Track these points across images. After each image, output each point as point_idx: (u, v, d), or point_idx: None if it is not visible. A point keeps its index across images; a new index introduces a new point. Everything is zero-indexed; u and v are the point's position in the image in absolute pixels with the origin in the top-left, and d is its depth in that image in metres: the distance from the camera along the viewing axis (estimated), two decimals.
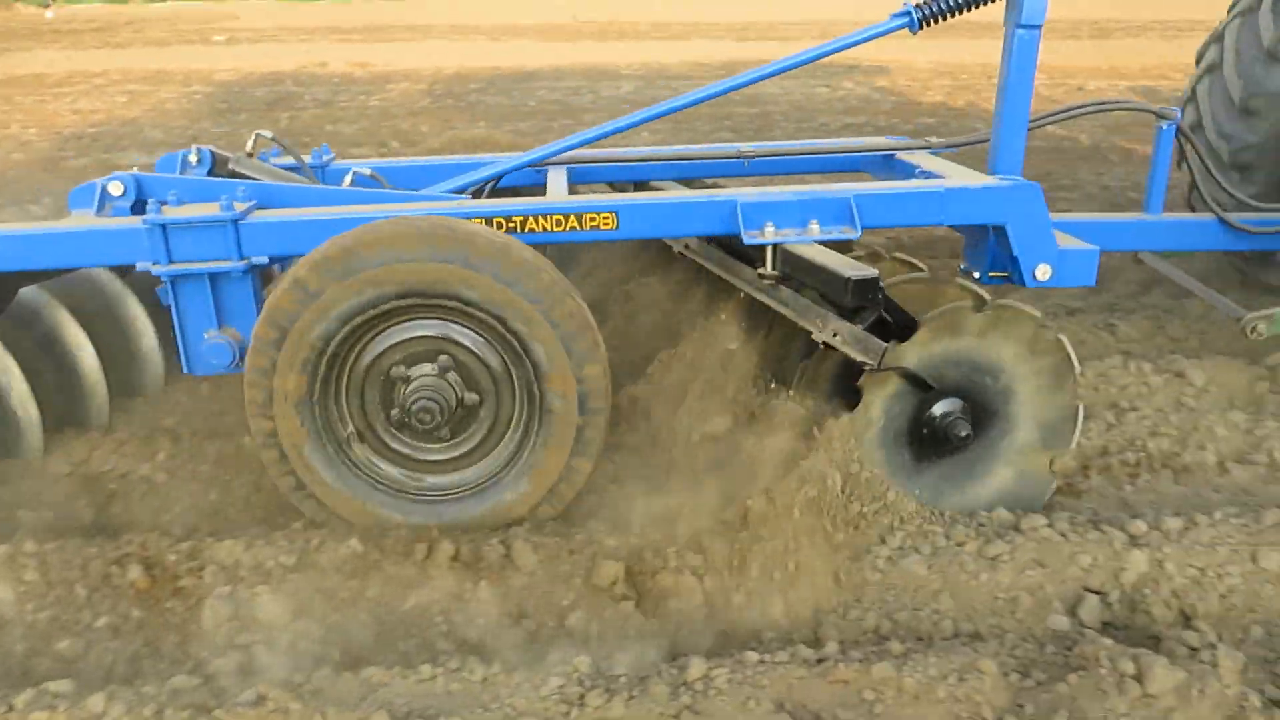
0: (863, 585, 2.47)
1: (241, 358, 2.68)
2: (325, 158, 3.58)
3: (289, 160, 3.49)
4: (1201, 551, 2.48)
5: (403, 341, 2.63)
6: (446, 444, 2.75)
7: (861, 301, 2.62)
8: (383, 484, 2.73)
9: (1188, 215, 3.61)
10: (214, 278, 2.70)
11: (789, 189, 2.89)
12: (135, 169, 3.12)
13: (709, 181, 3.67)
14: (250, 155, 3.26)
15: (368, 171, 3.30)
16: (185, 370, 2.82)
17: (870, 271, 2.64)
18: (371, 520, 2.67)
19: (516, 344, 2.57)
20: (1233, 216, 3.37)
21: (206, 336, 2.74)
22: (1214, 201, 3.40)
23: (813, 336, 2.66)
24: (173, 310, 2.74)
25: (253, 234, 2.69)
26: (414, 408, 2.58)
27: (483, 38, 17.03)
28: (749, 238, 2.73)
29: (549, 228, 2.74)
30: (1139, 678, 2.06)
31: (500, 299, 2.50)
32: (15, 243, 2.72)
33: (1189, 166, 3.47)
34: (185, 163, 3.22)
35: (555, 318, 2.53)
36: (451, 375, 2.63)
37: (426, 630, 2.39)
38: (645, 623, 2.39)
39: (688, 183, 3.61)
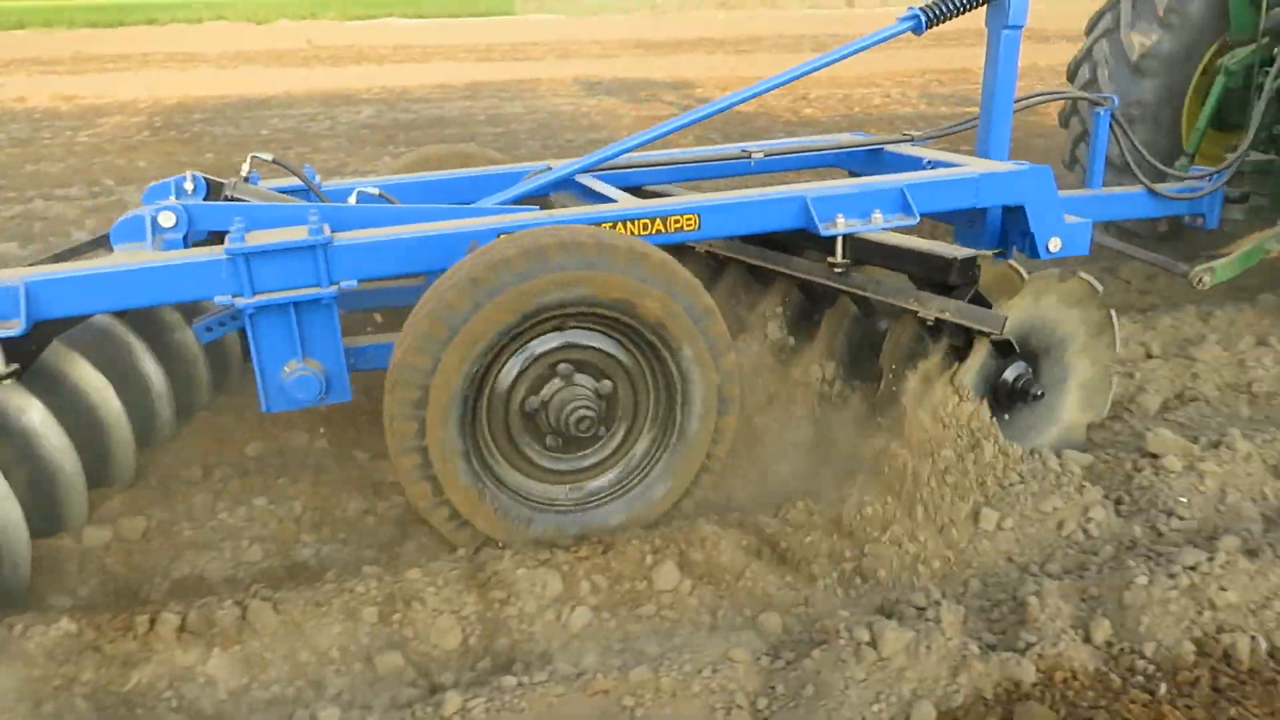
0: None
1: (327, 389, 2.59)
2: (316, 179, 3.37)
3: (290, 183, 3.35)
4: None
5: (560, 348, 2.59)
6: (593, 448, 2.72)
7: (963, 279, 2.80)
8: (532, 498, 2.67)
9: (1123, 188, 3.90)
10: (298, 306, 2.53)
11: (848, 183, 3.06)
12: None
13: (657, 188, 3.62)
14: (244, 179, 3.10)
15: (375, 190, 3.18)
16: (264, 408, 2.61)
17: (969, 252, 2.85)
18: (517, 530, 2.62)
19: (661, 343, 2.56)
20: (1159, 187, 3.78)
21: (287, 370, 2.57)
22: (1141, 173, 3.77)
23: (920, 314, 2.79)
24: (252, 344, 2.54)
25: (341, 257, 2.54)
26: (570, 413, 2.55)
27: (208, 66, 16.02)
28: (825, 229, 2.86)
29: (637, 231, 2.74)
30: (873, 643, 2.19)
31: (652, 298, 2.49)
32: (85, 284, 2.44)
33: (1118, 142, 3.76)
34: (180, 190, 3.02)
35: (696, 314, 2.56)
36: (589, 379, 2.62)
37: (155, 708, 2.17)
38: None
39: (643, 189, 3.57)
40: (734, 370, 2.67)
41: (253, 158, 3.21)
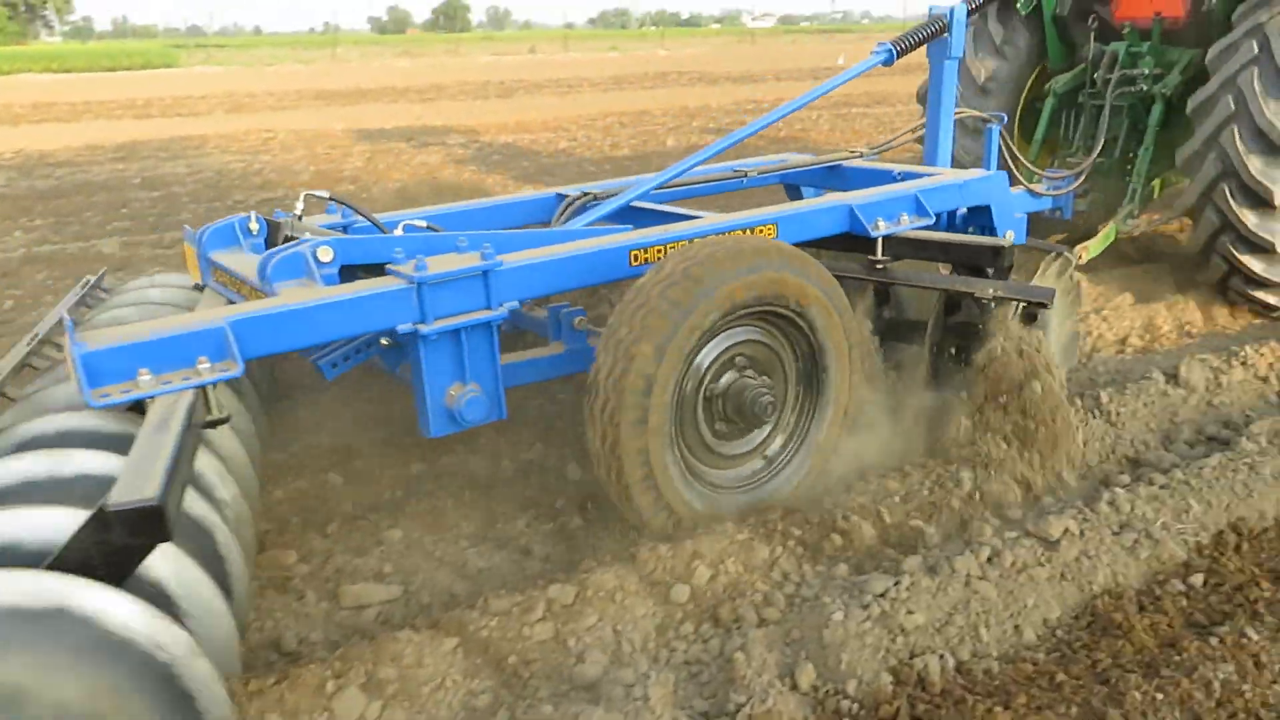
0: None
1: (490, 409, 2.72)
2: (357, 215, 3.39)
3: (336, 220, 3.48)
4: None
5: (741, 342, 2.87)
6: (755, 432, 2.98)
7: (1004, 263, 3.19)
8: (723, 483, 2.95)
9: (1016, 189, 4.26)
10: (466, 330, 2.63)
11: (878, 193, 3.51)
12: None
13: (675, 208, 3.78)
14: (299, 218, 3.12)
15: (421, 223, 3.31)
16: (428, 433, 2.68)
17: (1005, 241, 3.35)
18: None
19: (808, 326, 2.88)
20: (1035, 187, 4.36)
21: (453, 393, 2.65)
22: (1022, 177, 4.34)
23: (977, 295, 3.09)
24: (421, 370, 2.61)
25: (507, 280, 2.68)
26: (752, 399, 2.81)
27: None
28: (873, 231, 3.29)
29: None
30: None
31: (808, 292, 2.82)
32: (285, 320, 2.41)
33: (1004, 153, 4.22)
34: (246, 230, 3.10)
35: (839, 307, 2.92)
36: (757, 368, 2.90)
37: None
38: None
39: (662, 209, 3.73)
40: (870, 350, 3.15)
41: (306, 195, 3.24)
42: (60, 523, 1.76)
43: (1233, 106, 4.23)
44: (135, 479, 1.78)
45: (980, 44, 5.39)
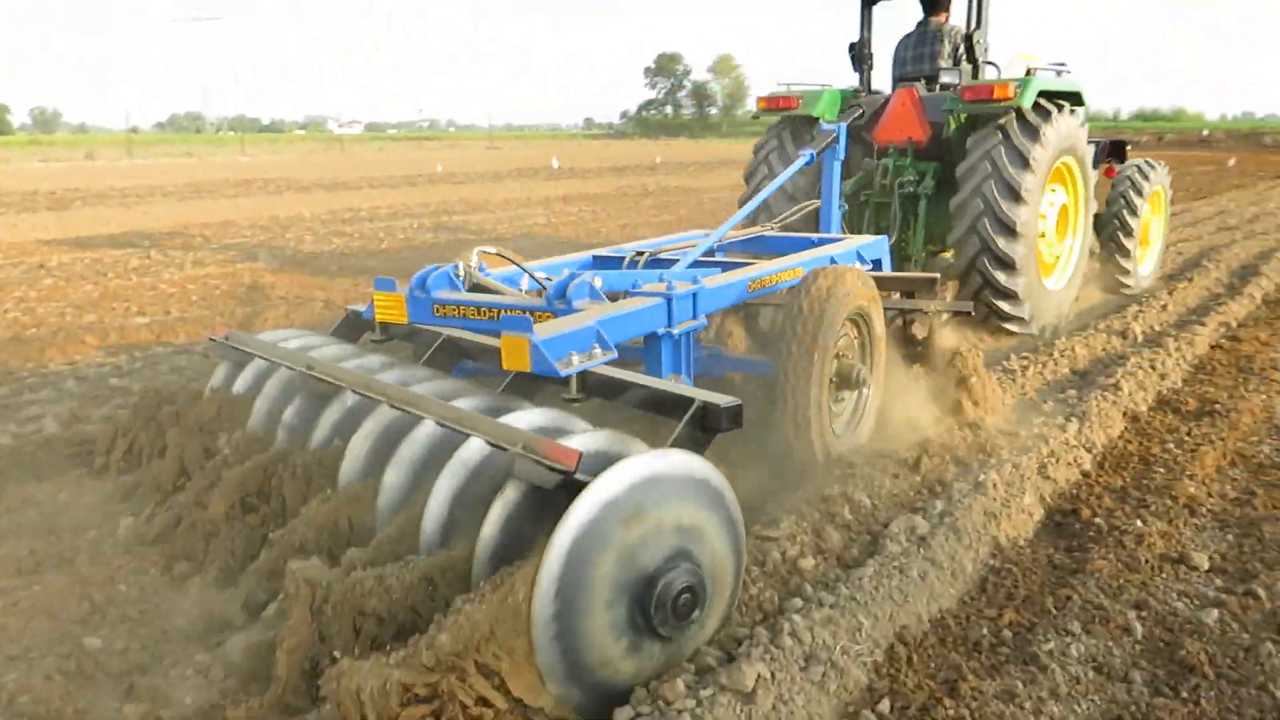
0: None
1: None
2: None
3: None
4: None
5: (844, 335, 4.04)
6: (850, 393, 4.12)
7: (934, 289, 4.74)
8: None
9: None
10: (686, 335, 3.69)
11: (840, 248, 4.89)
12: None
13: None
14: (477, 268, 3.80)
15: (542, 275, 3.92)
16: None
17: (936, 275, 4.81)
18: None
19: (867, 323, 4.10)
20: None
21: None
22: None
23: (926, 309, 4.66)
24: (658, 365, 3.60)
25: (704, 298, 3.73)
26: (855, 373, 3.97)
27: None
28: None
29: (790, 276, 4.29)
30: None
31: (873, 305, 4.10)
32: (622, 322, 3.32)
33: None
34: (456, 275, 3.67)
35: (880, 313, 4.17)
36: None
37: None
38: None
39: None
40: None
41: (479, 251, 3.90)
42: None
43: (982, 207, 6.01)
44: (710, 398, 2.92)
45: (788, 153, 6.85)
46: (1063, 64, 6.86)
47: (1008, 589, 3.08)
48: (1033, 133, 6.03)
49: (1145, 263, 8.46)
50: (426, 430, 2.93)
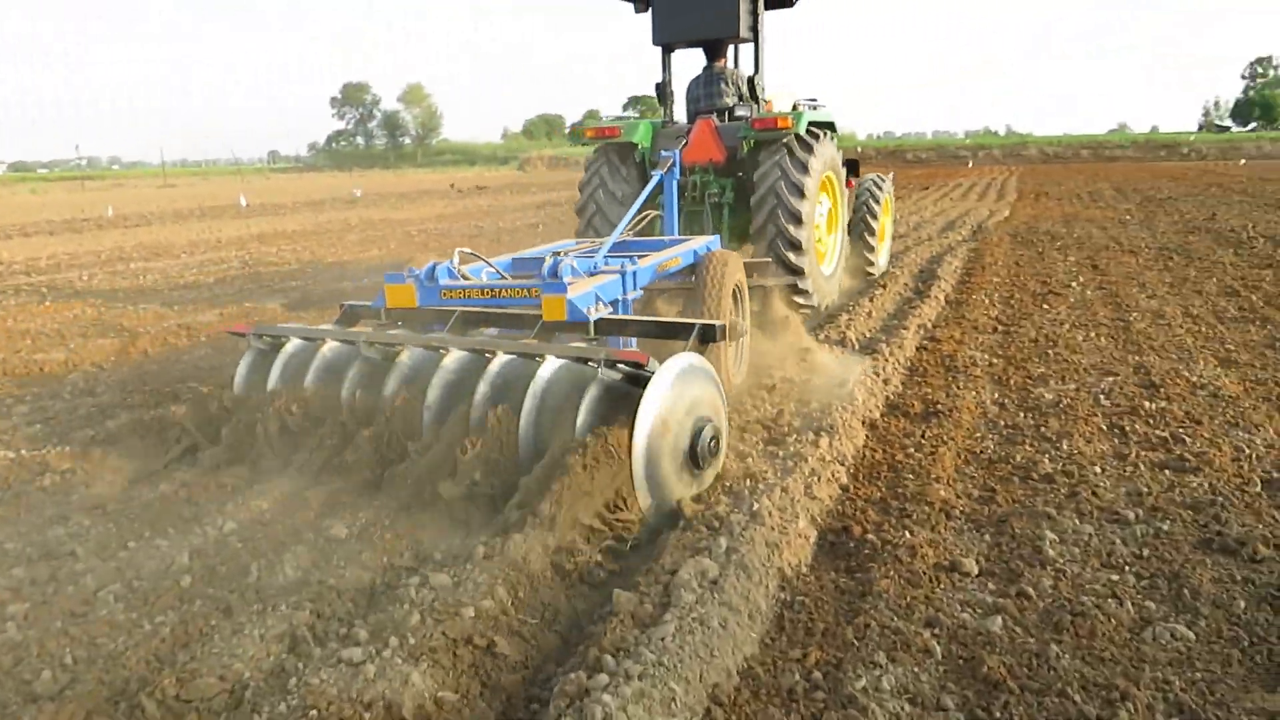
0: None
1: None
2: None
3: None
4: None
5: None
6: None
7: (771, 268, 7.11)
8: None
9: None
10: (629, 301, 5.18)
11: (696, 243, 6.19)
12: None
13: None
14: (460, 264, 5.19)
15: (499, 268, 5.41)
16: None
17: (768, 259, 7.21)
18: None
19: (740, 293, 5.96)
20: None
21: None
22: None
23: (767, 284, 7.09)
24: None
25: (640, 274, 5.23)
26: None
27: None
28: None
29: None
30: None
31: (742, 282, 6.05)
32: (627, 279, 5.16)
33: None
34: (438, 269, 4.92)
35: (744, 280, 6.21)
36: None
37: None
38: None
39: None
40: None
41: (459, 251, 5.16)
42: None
43: (775, 201, 7.45)
44: (704, 323, 4.34)
45: (615, 176, 8.14)
46: (814, 99, 8.77)
47: (805, 624, 3.00)
48: (808, 150, 7.63)
49: (882, 254, 10.70)
50: (499, 362, 4.02)
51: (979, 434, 4.82)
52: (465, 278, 5.08)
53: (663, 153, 7.42)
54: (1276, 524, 3.55)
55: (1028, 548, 3.44)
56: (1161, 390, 5.40)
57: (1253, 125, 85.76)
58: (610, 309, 4.64)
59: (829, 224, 8.54)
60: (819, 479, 4.09)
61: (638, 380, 3.69)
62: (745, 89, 8.44)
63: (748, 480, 4.04)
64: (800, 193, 7.44)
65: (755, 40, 8.25)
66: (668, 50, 8.68)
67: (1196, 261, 10.82)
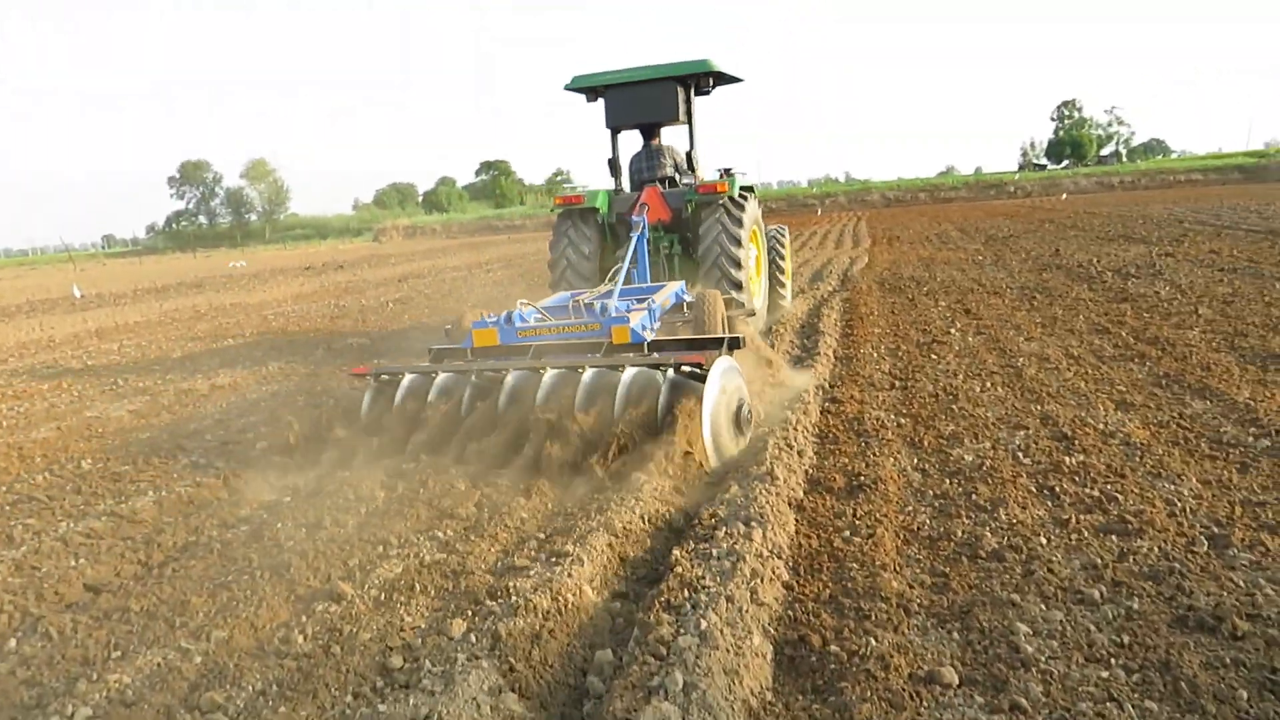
0: None
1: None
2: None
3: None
4: None
5: None
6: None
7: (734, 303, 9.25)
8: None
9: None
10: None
11: (676, 287, 8.46)
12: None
13: None
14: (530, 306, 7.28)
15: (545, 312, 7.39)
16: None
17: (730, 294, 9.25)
18: None
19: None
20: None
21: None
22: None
23: (735, 315, 9.06)
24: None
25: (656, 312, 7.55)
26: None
27: None
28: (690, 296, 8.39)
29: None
30: None
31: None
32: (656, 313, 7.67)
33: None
34: (520, 317, 6.99)
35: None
36: None
37: None
38: None
39: None
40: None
41: (520, 302, 7.13)
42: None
43: (719, 250, 9.26)
44: (731, 336, 6.41)
45: (580, 236, 9.77)
46: (730, 168, 10.17)
47: None
48: (739, 208, 9.50)
49: (789, 290, 12.52)
50: (589, 373, 5.71)
51: (910, 508, 4.61)
52: (509, 324, 6.93)
53: (634, 219, 9.10)
54: (1239, 589, 3.43)
55: (1002, 645, 3.18)
56: (1076, 442, 5.35)
57: (1065, 163, 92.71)
58: (652, 333, 6.83)
59: (756, 267, 10.40)
60: (761, 580, 3.75)
61: (697, 376, 5.60)
62: (683, 161, 10.57)
63: (686, 591, 3.67)
64: (737, 242, 9.34)
65: (689, 122, 10.40)
66: (615, 132, 10.61)
67: (1058, 299, 11.22)
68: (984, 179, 70.65)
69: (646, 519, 4.66)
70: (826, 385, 7.50)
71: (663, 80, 9.95)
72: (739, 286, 9.20)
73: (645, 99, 10.06)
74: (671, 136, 10.75)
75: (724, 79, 10.36)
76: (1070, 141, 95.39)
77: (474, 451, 5.64)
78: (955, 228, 29.24)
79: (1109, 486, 4.59)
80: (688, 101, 10.18)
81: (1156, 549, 3.83)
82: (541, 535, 4.57)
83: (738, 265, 9.22)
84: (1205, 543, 3.84)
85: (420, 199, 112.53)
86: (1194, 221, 23.02)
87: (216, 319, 17.63)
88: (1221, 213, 25.84)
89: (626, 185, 10.68)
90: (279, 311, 18.13)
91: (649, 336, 6.51)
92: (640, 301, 7.35)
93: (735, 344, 6.25)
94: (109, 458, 6.88)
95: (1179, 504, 4.30)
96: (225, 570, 4.44)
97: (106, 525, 5.22)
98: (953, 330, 9.63)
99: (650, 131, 10.56)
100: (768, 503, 4.58)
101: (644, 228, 9.07)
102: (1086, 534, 4.05)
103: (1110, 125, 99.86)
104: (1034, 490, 4.66)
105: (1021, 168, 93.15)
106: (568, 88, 10.24)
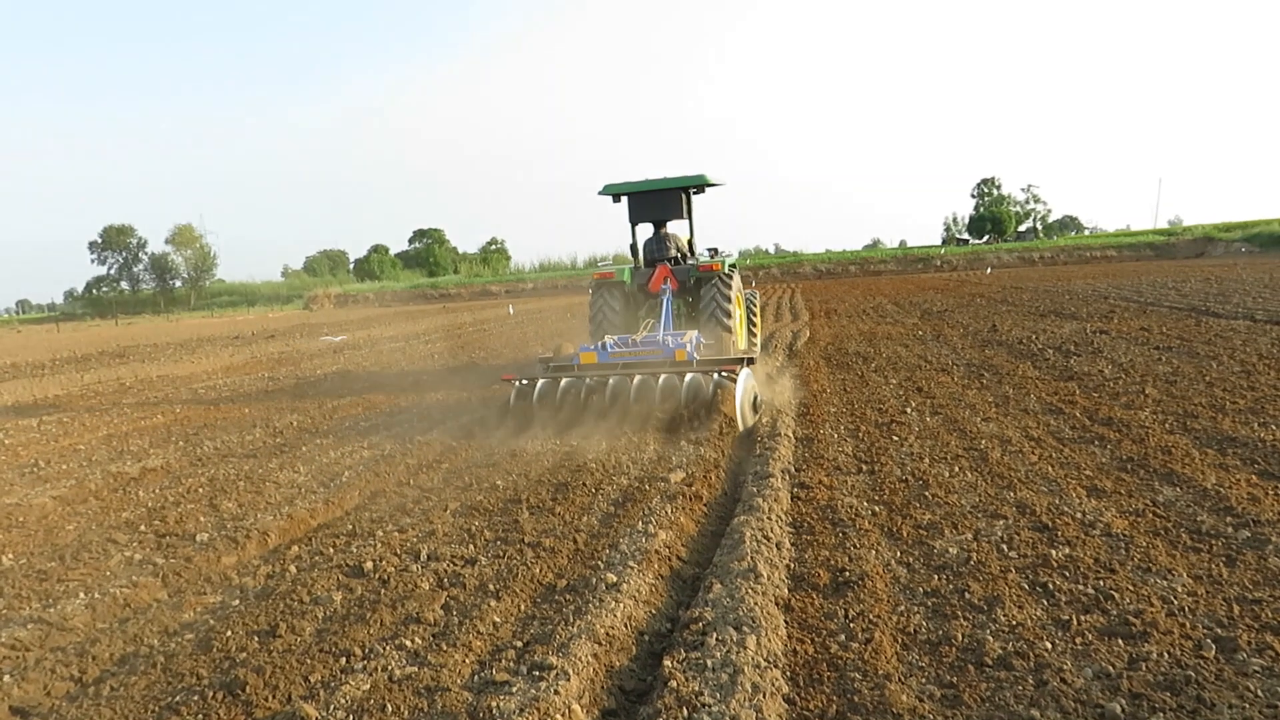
0: None
1: None
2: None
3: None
4: None
5: None
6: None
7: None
8: None
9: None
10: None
11: (692, 335, 11.59)
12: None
13: None
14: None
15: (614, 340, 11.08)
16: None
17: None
18: None
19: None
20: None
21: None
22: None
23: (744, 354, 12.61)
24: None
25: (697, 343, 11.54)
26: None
27: None
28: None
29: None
30: None
31: None
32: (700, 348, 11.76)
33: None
34: (600, 348, 10.78)
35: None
36: None
37: None
38: None
39: None
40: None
41: (607, 337, 11.19)
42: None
43: (714, 308, 12.54)
44: (749, 356, 11.15)
45: (612, 300, 13.05)
46: (716, 248, 14.31)
47: None
48: (729, 281, 12.93)
49: (759, 339, 15.77)
50: (662, 378, 9.55)
51: (903, 607, 4.45)
52: (604, 349, 10.70)
53: (664, 288, 12.84)
54: (1260, 699, 3.33)
55: None
56: (1058, 534, 5.28)
57: (986, 237, 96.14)
58: (698, 356, 10.56)
59: (740, 322, 13.25)
60: (763, 695, 3.54)
61: (730, 378, 9.42)
62: (684, 245, 13.88)
63: (685, 710, 3.43)
64: (729, 300, 12.75)
65: (689, 217, 13.83)
66: (634, 224, 14.00)
67: (1005, 378, 11.36)
68: (911, 253, 72.64)
69: (629, 622, 4.42)
70: (792, 469, 7.37)
71: (670, 189, 13.35)
72: (730, 333, 12.59)
73: (657, 202, 13.53)
74: (673, 224, 14.07)
75: (711, 184, 13.43)
76: (991, 217, 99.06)
77: (593, 424, 9.31)
78: (889, 301, 29.84)
79: (1102, 583, 4.50)
80: (688, 202, 13.59)
81: (1166, 655, 3.72)
82: (519, 643, 4.29)
83: (729, 318, 12.65)
84: (1213, 646, 3.75)
85: (352, 266, 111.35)
86: (1118, 298, 23.85)
87: (143, 392, 16.89)
88: (1142, 289, 26.84)
89: (641, 262, 13.92)
90: (209, 384, 17.48)
91: (697, 356, 10.54)
92: (682, 338, 10.76)
93: (750, 361, 10.61)
94: (33, 553, 6.38)
95: (1175, 602, 4.23)
96: (171, 688, 4.06)
97: (33, 635, 4.77)
98: (908, 410, 9.63)
99: (660, 223, 13.87)
100: (755, 603, 4.39)
101: (668, 295, 12.74)
102: (1090, 637, 3.93)
103: (1028, 202, 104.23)
104: (1026, 587, 4.55)
105: (945, 242, 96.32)
106: (600, 193, 13.63)
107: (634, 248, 14.11)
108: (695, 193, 13.57)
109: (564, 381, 9.96)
